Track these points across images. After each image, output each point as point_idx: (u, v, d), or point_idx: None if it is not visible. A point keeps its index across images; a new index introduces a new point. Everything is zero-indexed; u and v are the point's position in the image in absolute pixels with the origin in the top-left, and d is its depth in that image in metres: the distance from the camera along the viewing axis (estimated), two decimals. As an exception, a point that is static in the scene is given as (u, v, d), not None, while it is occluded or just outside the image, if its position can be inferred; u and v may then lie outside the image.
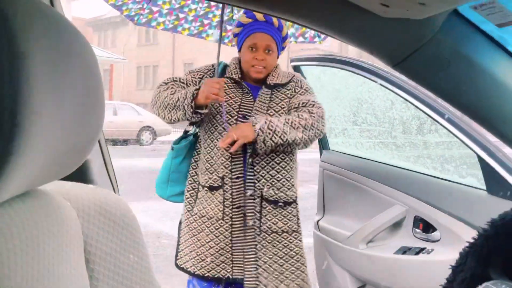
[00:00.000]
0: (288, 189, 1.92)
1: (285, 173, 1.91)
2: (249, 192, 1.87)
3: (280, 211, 1.90)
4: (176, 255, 2.05)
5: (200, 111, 1.85)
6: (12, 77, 0.37)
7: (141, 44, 33.31)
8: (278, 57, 1.98)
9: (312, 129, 1.87)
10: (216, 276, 1.89)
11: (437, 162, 2.23)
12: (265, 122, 1.79)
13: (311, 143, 1.92)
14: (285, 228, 1.90)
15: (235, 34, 1.99)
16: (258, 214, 1.88)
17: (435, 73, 0.85)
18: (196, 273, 1.92)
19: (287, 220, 1.91)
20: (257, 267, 1.89)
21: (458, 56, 0.82)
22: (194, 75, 2.00)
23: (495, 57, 0.84)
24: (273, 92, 1.93)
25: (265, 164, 1.88)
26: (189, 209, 2.00)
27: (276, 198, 1.89)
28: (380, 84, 2.02)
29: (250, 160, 1.87)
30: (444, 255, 1.76)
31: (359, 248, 2.10)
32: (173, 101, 1.86)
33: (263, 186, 1.88)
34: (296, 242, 1.93)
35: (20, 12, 0.40)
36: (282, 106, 1.92)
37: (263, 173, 1.88)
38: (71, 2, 22.81)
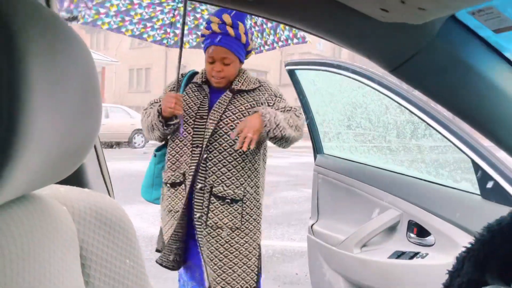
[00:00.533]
0: (236, 187, 1.99)
1: (235, 171, 1.99)
2: (199, 186, 1.97)
3: (226, 208, 1.98)
4: (157, 242, 2.25)
5: (171, 122, 2.00)
6: (10, 80, 0.37)
7: (134, 46, 33.23)
8: (242, 63, 2.08)
9: (299, 131, 2.00)
10: (187, 266, 2.08)
11: (431, 167, 2.24)
12: (272, 114, 1.89)
13: (291, 144, 2.04)
14: (229, 225, 1.99)
15: (202, 43, 2.12)
16: (206, 209, 1.97)
17: (432, 78, 0.86)
18: (163, 265, 2.08)
19: (232, 217, 1.99)
20: (201, 259, 2.01)
21: (455, 61, 0.82)
22: (168, 90, 2.16)
23: (491, 63, 0.84)
24: (234, 97, 2.03)
25: (217, 162, 1.98)
26: (161, 206, 2.16)
27: (224, 194, 1.97)
28: (375, 89, 2.03)
29: (204, 155, 1.97)
30: (438, 259, 1.77)
31: (353, 252, 2.10)
32: (148, 123, 2.04)
33: (213, 181, 1.97)
34: (237, 239, 2.01)
35: (18, 13, 0.39)
36: (240, 110, 2.00)
37: (214, 169, 1.97)
38: (64, 4, 22.66)
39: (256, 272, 2.05)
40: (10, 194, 0.43)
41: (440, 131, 1.80)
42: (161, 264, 2.09)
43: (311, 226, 2.44)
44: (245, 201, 2.01)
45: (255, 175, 2.05)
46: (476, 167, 1.70)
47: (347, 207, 2.28)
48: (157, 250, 2.24)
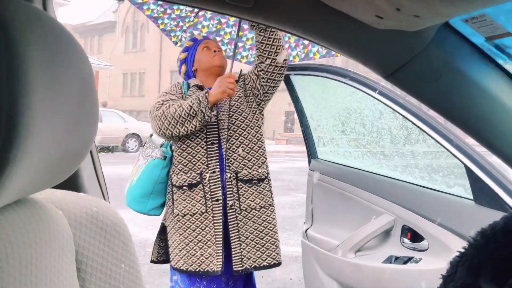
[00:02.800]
0: (259, 166, 2.06)
1: (254, 152, 2.05)
2: (229, 175, 2.01)
3: (255, 189, 2.04)
4: (152, 253, 2.20)
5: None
6: (9, 84, 0.37)
7: (128, 50, 33.20)
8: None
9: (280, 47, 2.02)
10: (205, 270, 1.97)
11: (424, 172, 2.25)
12: None
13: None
14: (262, 204, 2.04)
15: (182, 59, 2.22)
16: (236, 195, 2.00)
17: (426, 84, 0.87)
18: (188, 269, 1.99)
19: (263, 196, 2.06)
20: (240, 243, 2.00)
21: (449, 68, 0.83)
22: (171, 94, 2.14)
23: (484, 69, 0.85)
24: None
25: (236, 148, 2.02)
26: (170, 212, 2.08)
27: (250, 176, 2.03)
28: (369, 94, 2.04)
29: (225, 146, 2.02)
30: (432, 264, 1.77)
31: (348, 257, 2.11)
32: (185, 111, 1.94)
33: (236, 167, 2.01)
34: (273, 215, 2.09)
35: (17, 18, 0.39)
36: (240, 96, 2.09)
37: (235, 156, 2.02)
38: (58, 8, 22.67)
39: (279, 246, 2.12)
40: (7, 198, 0.43)
41: (434, 136, 1.81)
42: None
43: (305, 231, 2.44)
44: (269, 178, 2.10)
45: (265, 152, 2.13)
46: (469, 172, 1.71)
47: (341, 212, 2.28)
48: (152, 261, 2.18)
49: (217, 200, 1.99)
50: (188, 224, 2.00)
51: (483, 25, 0.74)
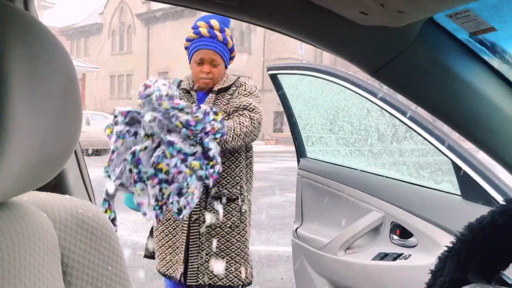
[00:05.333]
0: (232, 186, 2.03)
1: (229, 171, 2.03)
2: None
3: (224, 207, 2.02)
4: (146, 248, 2.24)
5: None
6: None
7: (115, 52, 32.99)
8: (226, 67, 2.14)
9: (250, 136, 2.02)
10: (171, 275, 2.05)
11: (412, 169, 2.27)
12: None
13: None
14: (229, 223, 2.03)
15: (186, 47, 2.15)
16: (203, 209, 2.01)
17: (412, 81, 0.87)
18: (160, 270, 2.10)
19: (230, 216, 2.03)
20: (199, 257, 2.01)
21: (434, 64, 0.84)
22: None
23: (469, 65, 0.86)
24: (217, 98, 2.09)
25: None
26: None
27: (220, 194, 2.02)
28: (356, 92, 2.04)
29: None
30: (421, 260, 1.78)
31: (338, 255, 2.11)
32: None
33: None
34: (238, 237, 2.05)
35: None
36: (225, 110, 2.05)
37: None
38: (43, 10, 22.44)
39: (250, 257, 2.12)
40: (-12, 201, 0.42)
41: (421, 133, 1.82)
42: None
43: (296, 230, 2.44)
44: (242, 199, 2.06)
45: (247, 171, 2.10)
46: (456, 168, 1.73)
47: (330, 210, 2.29)
48: (146, 256, 2.24)
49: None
50: (163, 229, 2.09)
51: (467, 21, 0.75)
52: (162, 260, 2.09)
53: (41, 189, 0.55)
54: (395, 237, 1.97)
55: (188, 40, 2.12)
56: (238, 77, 2.17)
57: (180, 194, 1.69)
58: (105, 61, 31.56)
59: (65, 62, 0.48)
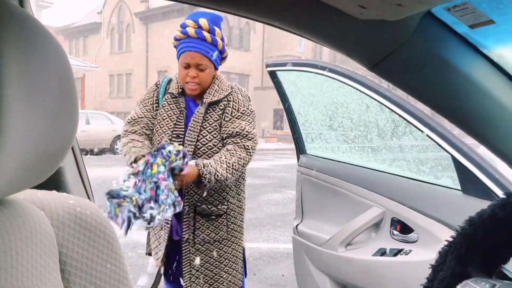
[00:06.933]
0: (220, 202, 2.00)
1: (217, 188, 1.97)
2: (187, 209, 1.97)
3: (212, 223, 1.99)
4: (147, 249, 2.23)
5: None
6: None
7: (114, 52, 32.96)
8: (217, 69, 2.03)
9: (245, 166, 1.97)
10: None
11: (412, 164, 2.26)
12: (211, 174, 1.85)
13: None
14: (217, 238, 2.00)
15: (174, 46, 2.03)
16: (192, 228, 1.98)
17: (411, 75, 0.86)
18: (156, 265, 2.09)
19: (218, 230, 2.00)
20: (191, 276, 1.99)
21: (433, 58, 0.83)
22: (145, 104, 2.07)
23: (468, 58, 0.86)
24: (207, 111, 1.98)
25: None
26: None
27: (208, 212, 1.98)
28: (355, 88, 2.04)
29: None
30: (422, 255, 1.78)
31: (338, 252, 2.11)
32: (124, 155, 1.97)
33: (196, 201, 1.97)
34: (226, 249, 2.03)
35: None
36: (215, 127, 1.97)
37: (196, 189, 1.96)
38: (42, 10, 22.43)
39: (241, 273, 2.08)
40: (-16, 198, 0.41)
41: (420, 128, 1.82)
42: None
43: (296, 227, 2.44)
44: (229, 213, 2.02)
45: (237, 185, 2.06)
46: (456, 163, 1.73)
47: (331, 206, 2.29)
48: (148, 254, 2.23)
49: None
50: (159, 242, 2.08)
51: (466, 13, 0.74)
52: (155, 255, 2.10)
53: (38, 187, 0.55)
54: (396, 232, 1.97)
55: (175, 39, 2.00)
56: (231, 87, 2.05)
57: (156, 201, 1.70)
58: (104, 61, 31.53)
59: (60, 58, 0.48)
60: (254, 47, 30.10)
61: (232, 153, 1.92)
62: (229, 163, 1.89)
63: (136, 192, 1.71)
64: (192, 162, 1.85)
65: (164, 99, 2.04)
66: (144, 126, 2.04)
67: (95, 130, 15.15)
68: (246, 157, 1.95)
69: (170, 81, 2.09)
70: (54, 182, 1.02)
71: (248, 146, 1.96)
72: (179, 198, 1.76)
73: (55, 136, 0.47)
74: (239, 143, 1.95)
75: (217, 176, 1.86)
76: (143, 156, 1.85)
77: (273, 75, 2.47)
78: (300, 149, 2.56)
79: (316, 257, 2.26)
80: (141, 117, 2.04)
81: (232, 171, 1.90)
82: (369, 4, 0.67)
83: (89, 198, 1.19)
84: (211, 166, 1.86)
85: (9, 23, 0.41)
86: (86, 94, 22.98)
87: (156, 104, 2.06)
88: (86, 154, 14.49)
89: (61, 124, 0.48)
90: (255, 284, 3.86)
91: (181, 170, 1.78)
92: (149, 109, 2.05)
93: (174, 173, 1.77)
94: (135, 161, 1.87)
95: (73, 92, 0.49)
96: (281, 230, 5.71)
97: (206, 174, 1.85)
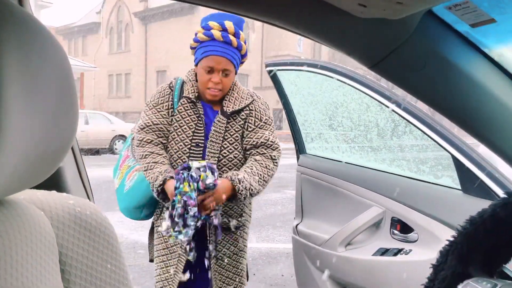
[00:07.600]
0: (238, 215, 1.96)
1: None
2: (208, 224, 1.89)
3: (231, 236, 1.96)
4: (149, 252, 2.11)
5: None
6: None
7: (113, 52, 32.96)
8: (236, 73, 1.93)
9: (272, 177, 1.92)
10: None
11: (412, 164, 2.26)
12: (247, 189, 1.80)
13: None
14: (235, 250, 1.98)
15: (192, 47, 1.92)
16: (214, 243, 1.93)
17: (411, 74, 0.86)
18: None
19: (237, 243, 1.98)
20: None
21: (434, 57, 0.83)
22: (160, 109, 1.93)
23: (469, 57, 0.85)
24: (229, 121, 1.89)
25: None
26: (159, 214, 2.00)
27: (228, 226, 1.94)
28: (355, 87, 2.04)
29: None
30: (422, 255, 1.78)
31: (338, 251, 2.11)
32: (148, 176, 1.86)
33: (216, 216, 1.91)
34: (241, 260, 2.01)
35: None
36: (236, 138, 1.90)
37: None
38: (40, 10, 22.41)
39: (245, 275, 2.06)
40: (-16, 199, 0.41)
41: (420, 127, 1.82)
42: None
43: (296, 227, 2.44)
44: (245, 224, 2.00)
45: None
46: (456, 162, 1.73)
47: (330, 206, 2.29)
48: (151, 261, 2.12)
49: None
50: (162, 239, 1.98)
51: (467, 12, 0.74)
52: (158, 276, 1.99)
53: (38, 187, 0.54)
54: (396, 232, 1.97)
55: (196, 41, 1.87)
56: (251, 95, 1.96)
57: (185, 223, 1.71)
58: (103, 60, 31.52)
59: (60, 57, 0.48)
60: (253, 47, 30.11)
61: (262, 164, 1.87)
62: (260, 175, 1.84)
63: (172, 203, 1.73)
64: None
65: (180, 103, 1.91)
66: (159, 134, 1.91)
67: (94, 130, 15.14)
68: (274, 167, 1.90)
69: (183, 83, 1.97)
70: (54, 182, 1.01)
71: (274, 156, 1.91)
72: (199, 223, 1.74)
73: (55, 135, 0.47)
74: (265, 153, 1.89)
75: (252, 190, 1.81)
76: (172, 177, 1.78)
77: (272, 74, 2.47)
78: (299, 149, 2.56)
79: (316, 257, 2.26)
80: (156, 124, 1.90)
81: (263, 183, 1.85)
82: (369, 2, 0.67)
83: (89, 198, 1.19)
84: (246, 180, 1.79)
85: (9, 23, 0.41)
86: (85, 94, 22.97)
87: (172, 109, 1.91)
88: (85, 154, 14.48)
89: (61, 124, 0.48)
90: (255, 284, 3.86)
91: (215, 186, 1.73)
92: (164, 114, 1.91)
93: (206, 189, 1.72)
94: (164, 182, 1.80)
95: (73, 92, 0.49)
96: (281, 230, 5.71)
97: (242, 190, 1.78)
